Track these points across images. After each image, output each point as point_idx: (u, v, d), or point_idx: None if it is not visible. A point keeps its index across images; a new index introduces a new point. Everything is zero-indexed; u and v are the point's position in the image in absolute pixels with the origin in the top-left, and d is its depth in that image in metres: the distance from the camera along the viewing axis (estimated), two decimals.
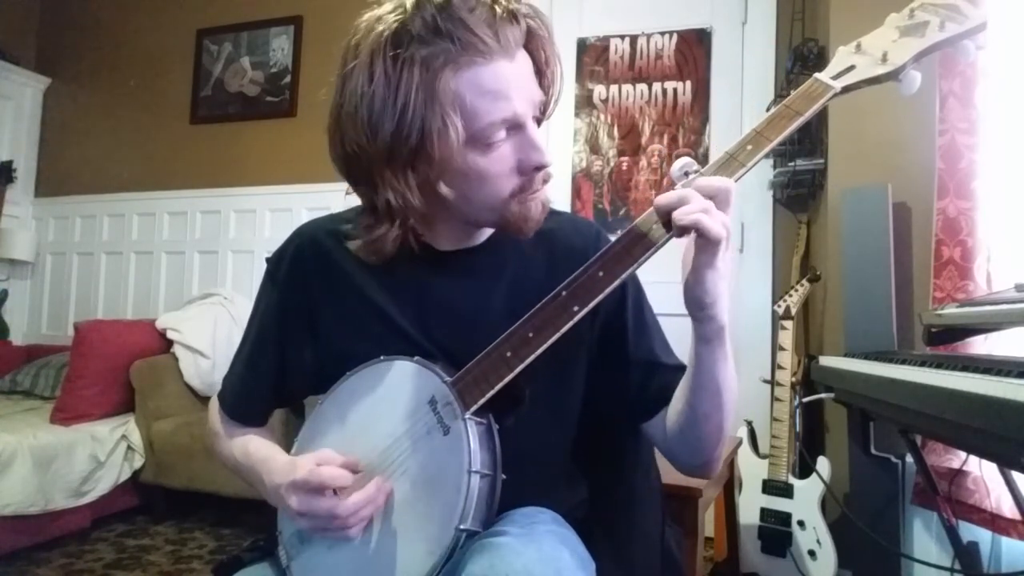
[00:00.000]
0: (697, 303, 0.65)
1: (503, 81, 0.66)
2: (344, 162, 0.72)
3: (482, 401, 0.68)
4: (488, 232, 0.82)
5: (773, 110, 0.68)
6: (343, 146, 0.71)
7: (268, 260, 0.87)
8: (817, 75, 0.69)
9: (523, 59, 0.69)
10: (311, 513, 0.67)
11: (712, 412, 0.71)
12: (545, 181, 0.73)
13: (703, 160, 2.50)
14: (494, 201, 0.71)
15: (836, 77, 0.68)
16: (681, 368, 0.79)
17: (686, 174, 0.67)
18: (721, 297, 0.64)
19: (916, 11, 0.70)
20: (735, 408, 0.73)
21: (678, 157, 0.65)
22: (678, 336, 0.84)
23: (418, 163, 0.68)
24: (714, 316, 0.65)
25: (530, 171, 0.71)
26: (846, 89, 0.68)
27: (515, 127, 0.69)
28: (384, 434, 0.71)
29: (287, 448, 0.80)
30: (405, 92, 0.65)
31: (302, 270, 0.83)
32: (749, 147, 0.66)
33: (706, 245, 0.61)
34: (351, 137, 0.69)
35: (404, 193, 0.69)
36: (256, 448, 0.80)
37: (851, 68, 0.69)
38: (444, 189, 0.71)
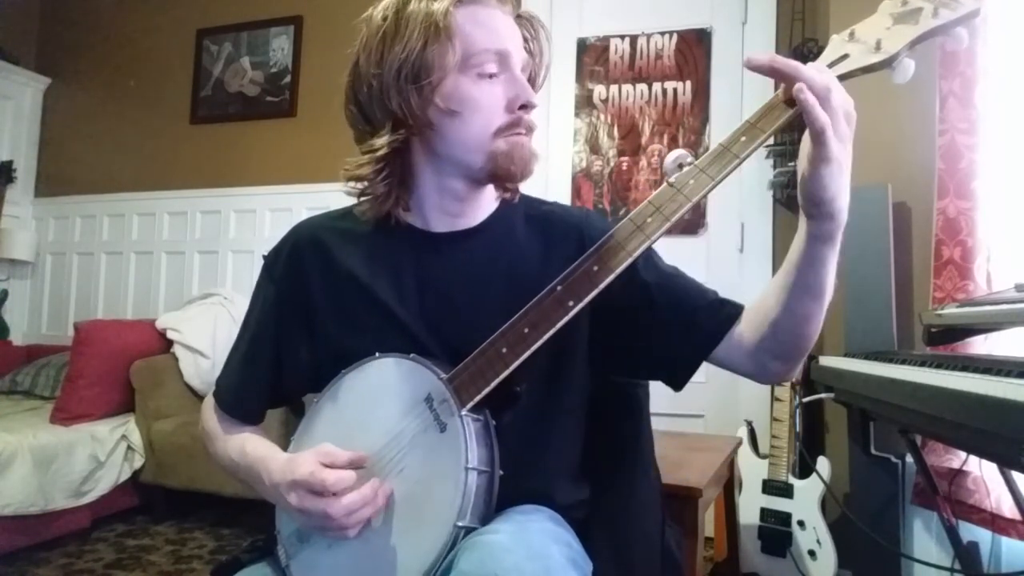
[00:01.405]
0: (812, 199, 0.63)
1: (497, 21, 0.75)
2: (356, 101, 0.78)
3: (478, 398, 0.68)
4: (482, 216, 0.83)
5: (767, 101, 0.67)
6: (359, 85, 0.77)
7: (265, 256, 0.87)
8: (811, 64, 0.68)
9: (516, 26, 0.78)
10: (307, 512, 0.67)
11: (813, 312, 0.70)
12: (530, 129, 0.77)
13: None
14: (482, 136, 0.75)
15: (830, 66, 0.67)
16: (721, 302, 0.80)
17: (680, 166, 0.67)
18: (841, 192, 0.62)
19: None
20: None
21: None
22: None
23: (421, 83, 0.73)
24: (831, 213, 0.64)
25: (516, 108, 0.75)
26: (840, 78, 0.67)
27: (505, 66, 0.75)
28: (381, 432, 0.71)
29: (284, 447, 0.80)
30: (413, 22, 0.72)
31: (299, 266, 0.83)
32: (743, 139, 0.65)
33: (813, 134, 0.60)
34: (365, 73, 0.76)
35: (409, 101, 0.74)
36: (254, 447, 0.80)
37: (844, 57, 0.68)
38: (441, 105, 0.74)
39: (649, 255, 0.83)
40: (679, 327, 0.79)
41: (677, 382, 0.82)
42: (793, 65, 0.61)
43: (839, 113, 0.60)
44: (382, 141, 0.75)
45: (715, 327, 0.78)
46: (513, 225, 0.84)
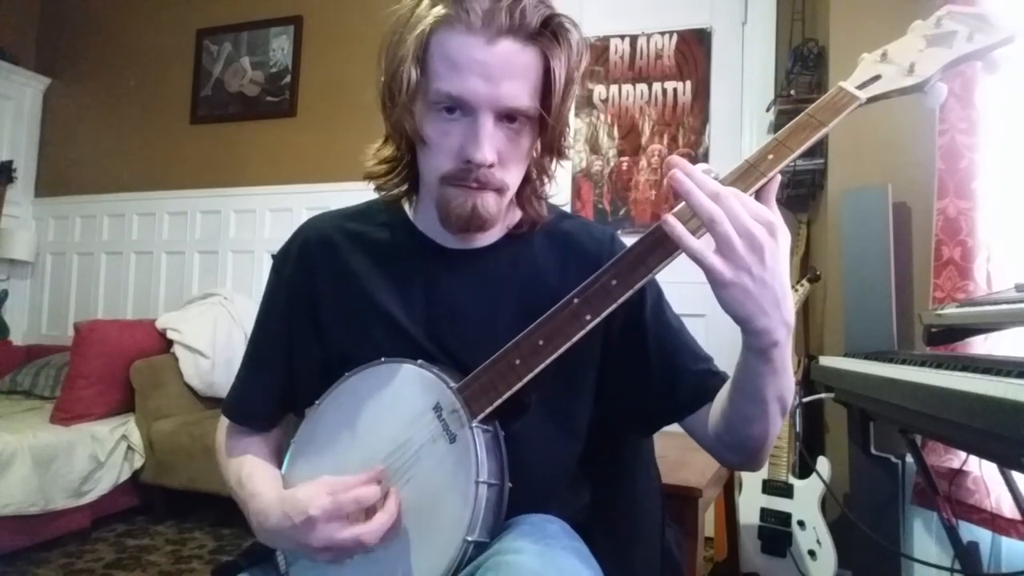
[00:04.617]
0: (731, 316, 0.59)
1: (465, 56, 0.66)
2: (381, 102, 0.75)
3: (489, 410, 0.66)
4: (497, 233, 0.80)
5: (796, 119, 0.64)
6: (382, 85, 0.74)
7: (274, 256, 0.85)
8: (842, 84, 0.65)
9: (512, 52, 0.66)
10: (336, 544, 0.63)
11: (755, 416, 0.67)
12: (482, 184, 0.70)
13: (701, 160, 2.49)
14: (433, 175, 0.72)
15: (862, 87, 0.64)
16: (709, 373, 0.78)
17: None
18: (756, 315, 0.57)
19: (943, 20, 0.66)
20: (787, 411, 0.68)
21: (682, 158, 0.61)
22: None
23: (406, 103, 0.70)
24: (754, 331, 0.59)
25: (463, 161, 0.69)
26: (872, 100, 0.64)
27: (466, 110, 0.68)
28: (387, 439, 0.70)
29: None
30: (406, 34, 0.68)
31: (308, 264, 0.81)
32: (770, 157, 0.62)
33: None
34: (384, 79, 0.72)
35: (397, 117, 0.72)
36: (248, 474, 0.78)
37: (877, 78, 0.65)
38: (416, 129, 0.71)
39: (660, 302, 0.82)
40: (658, 384, 0.78)
41: (645, 431, 0.85)
42: (686, 188, 0.57)
43: (731, 241, 0.55)
44: (388, 149, 0.78)
45: (691, 397, 0.77)
46: (532, 242, 0.81)
